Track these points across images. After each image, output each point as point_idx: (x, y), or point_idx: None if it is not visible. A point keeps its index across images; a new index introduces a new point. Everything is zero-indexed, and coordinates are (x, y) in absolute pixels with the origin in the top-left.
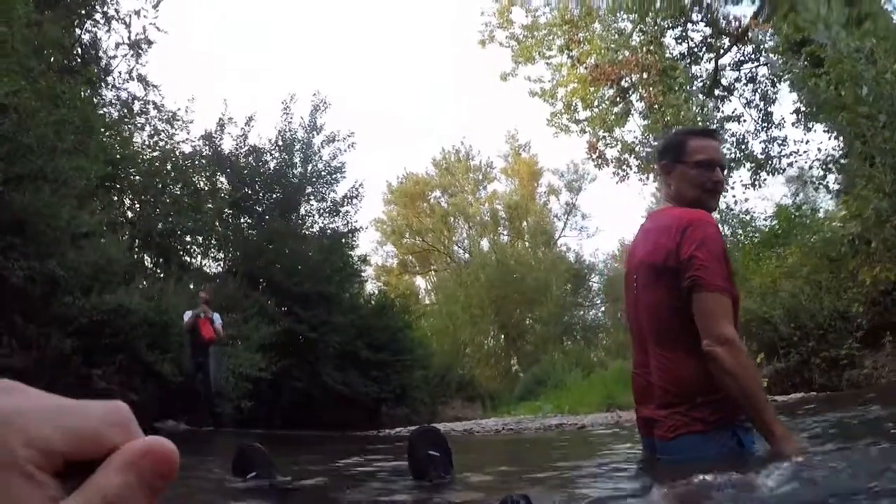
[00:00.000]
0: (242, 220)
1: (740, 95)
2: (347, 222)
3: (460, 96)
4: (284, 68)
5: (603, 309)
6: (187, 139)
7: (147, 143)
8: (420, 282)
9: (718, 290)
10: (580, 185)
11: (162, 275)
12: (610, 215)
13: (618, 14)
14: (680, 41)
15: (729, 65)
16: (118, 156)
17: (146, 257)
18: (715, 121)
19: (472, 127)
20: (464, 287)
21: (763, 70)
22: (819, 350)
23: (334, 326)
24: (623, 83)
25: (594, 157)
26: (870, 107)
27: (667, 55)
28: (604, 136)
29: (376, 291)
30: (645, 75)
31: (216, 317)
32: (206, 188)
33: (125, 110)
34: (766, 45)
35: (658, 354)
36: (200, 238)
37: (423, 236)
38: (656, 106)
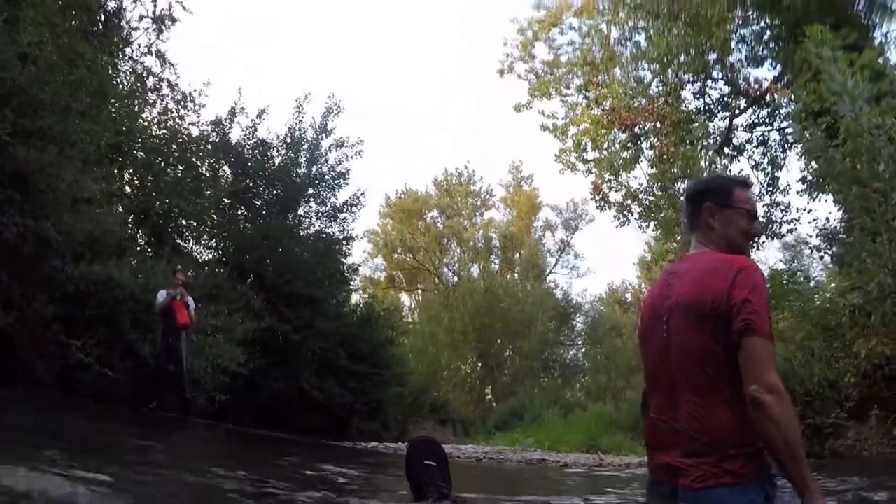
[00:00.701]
0: (240, 212)
1: (749, 157)
2: (344, 229)
3: (470, 119)
4: (291, 64)
5: (584, 350)
6: (197, 122)
7: (156, 119)
8: (405, 299)
9: (768, 337)
10: (577, 224)
11: (152, 254)
12: (602, 259)
13: (639, 62)
14: (697, 96)
15: (742, 126)
16: (124, 128)
17: (140, 234)
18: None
19: (476, 151)
20: (449, 310)
21: (775, 135)
22: (805, 417)
23: (318, 331)
24: (636, 129)
25: (597, 198)
26: (885, 183)
27: (682, 108)
28: (609, 179)
29: (363, 302)
30: (659, 124)
31: (191, 301)
32: (209, 174)
33: (138, 84)
34: (783, 111)
35: (691, 401)
36: (195, 223)
37: (415, 254)
38: (666, 156)
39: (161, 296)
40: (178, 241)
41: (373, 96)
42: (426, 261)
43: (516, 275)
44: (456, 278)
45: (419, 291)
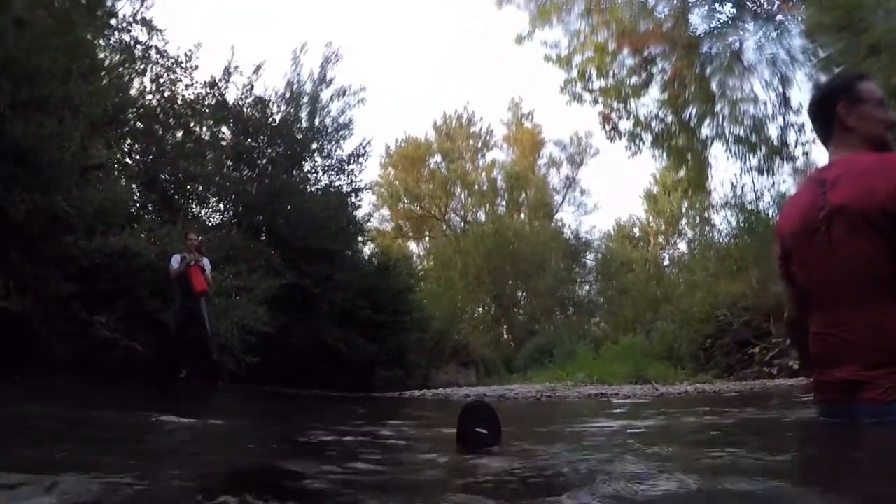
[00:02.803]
0: (245, 173)
1: (760, 77)
2: (352, 181)
3: (468, 60)
4: (285, 15)
5: (597, 287)
6: (191, 85)
7: (149, 88)
8: (414, 247)
9: None
10: (582, 159)
11: (165, 220)
12: (608, 194)
13: None
14: (705, 19)
15: (751, 47)
16: (116, 100)
17: (150, 202)
18: (730, 101)
19: (476, 92)
20: (461, 254)
21: (783, 54)
22: None
23: (337, 283)
24: (645, 54)
25: (607, 128)
26: None
27: (690, 31)
28: (619, 108)
29: (377, 252)
30: (668, 48)
31: (206, 263)
32: (208, 138)
33: (126, 55)
34: (792, 30)
35: (868, 310)
36: (202, 187)
37: (421, 202)
38: (678, 80)
39: (175, 261)
40: (188, 206)
41: (367, 42)
42: (432, 207)
43: (523, 215)
44: (463, 223)
45: (427, 239)
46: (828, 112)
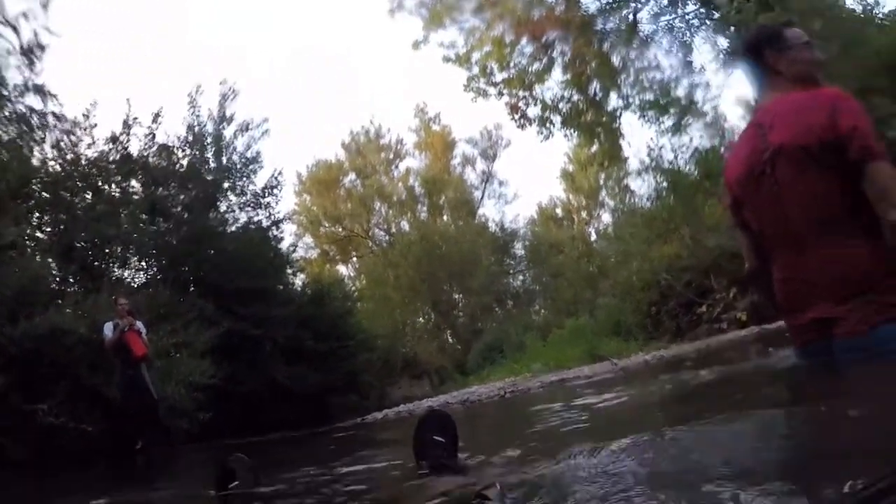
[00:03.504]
0: (162, 225)
1: (659, 45)
2: (270, 214)
3: (369, 74)
4: (188, 60)
5: (530, 274)
6: (93, 144)
7: (50, 155)
8: (343, 270)
9: (886, 158)
10: (495, 151)
11: (89, 289)
12: (526, 181)
13: None
14: None
15: (646, 18)
16: (18, 173)
17: (69, 275)
18: (634, 70)
19: (382, 105)
20: (392, 268)
21: (678, 22)
22: None
23: (276, 320)
24: (543, 40)
25: (516, 117)
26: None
27: (583, 10)
28: (524, 96)
29: (309, 281)
30: (563, 30)
31: (141, 326)
32: (118, 195)
33: (23, 126)
34: None
35: (828, 244)
36: (120, 249)
37: (342, 223)
38: (578, 59)
39: (108, 329)
40: (110, 270)
41: (265, 72)
42: (354, 226)
43: (446, 217)
44: (388, 237)
45: (355, 259)
46: (758, 60)
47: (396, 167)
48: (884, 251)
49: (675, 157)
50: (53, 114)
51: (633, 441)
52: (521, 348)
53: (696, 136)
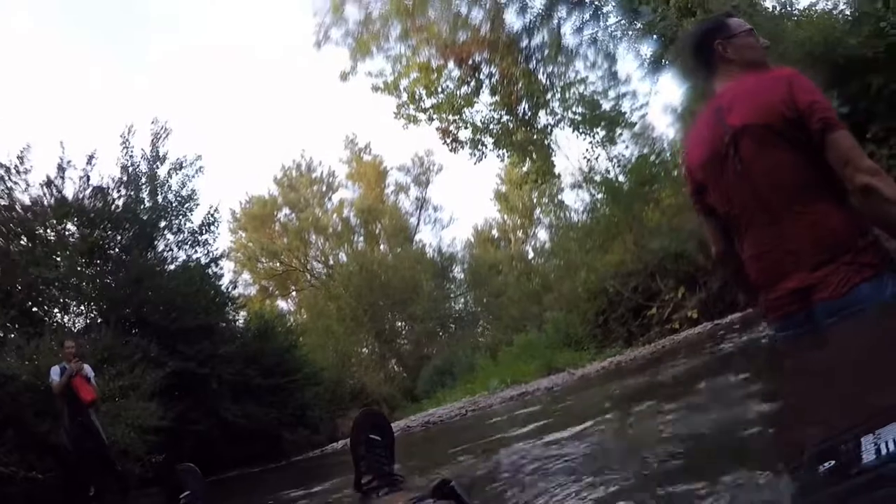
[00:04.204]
0: (100, 267)
1: (584, 58)
2: (208, 251)
3: (297, 108)
4: (118, 100)
5: (471, 296)
6: (28, 188)
7: None
8: (283, 305)
9: (845, 127)
10: (428, 177)
11: (25, 335)
12: (460, 204)
13: None
14: (520, 13)
15: (569, 32)
16: None
17: (7, 321)
18: (560, 85)
19: (312, 138)
20: (334, 300)
21: (601, 34)
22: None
23: (222, 358)
24: (471, 62)
25: (448, 141)
26: None
27: (508, 30)
28: (454, 120)
29: (252, 317)
30: (490, 52)
31: (89, 370)
32: (54, 239)
33: None
34: (604, 9)
35: (800, 212)
36: (58, 293)
37: (279, 258)
38: (507, 79)
39: (55, 374)
40: (50, 315)
41: (195, 111)
42: (292, 261)
43: (381, 246)
44: (327, 269)
45: (294, 294)
46: (706, 52)
47: (330, 199)
48: (853, 214)
49: (609, 169)
50: None
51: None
52: (471, 369)
53: (627, 146)
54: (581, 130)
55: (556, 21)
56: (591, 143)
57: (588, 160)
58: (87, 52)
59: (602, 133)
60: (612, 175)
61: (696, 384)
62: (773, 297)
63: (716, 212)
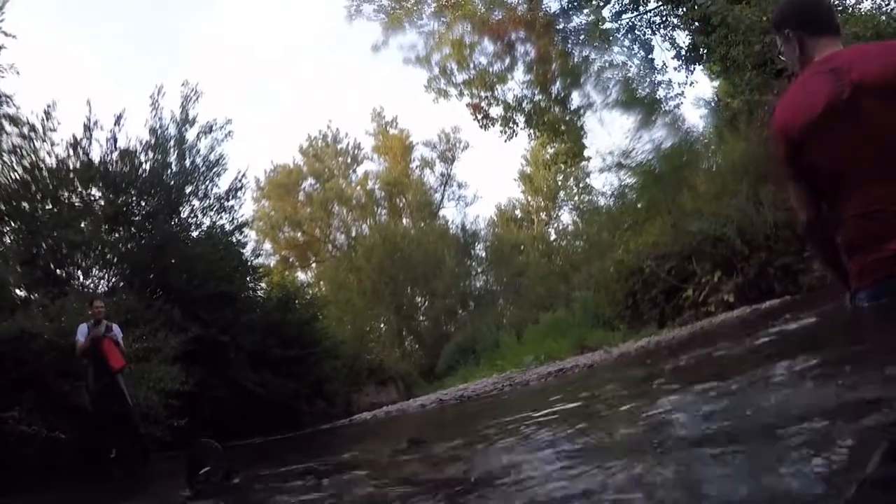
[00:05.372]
0: (124, 232)
1: (620, 44)
2: (233, 218)
3: (324, 82)
4: (149, 59)
5: (492, 275)
6: (52, 151)
7: (7, 161)
8: (302, 276)
9: None
10: (454, 154)
11: (49, 295)
12: (485, 182)
13: None
14: None
15: (608, 17)
16: None
17: (32, 282)
18: (597, 69)
19: (339, 109)
20: (355, 272)
21: (639, 21)
22: (770, 262)
23: (244, 326)
24: (506, 39)
25: (479, 117)
26: None
27: (544, 10)
28: (486, 96)
29: (274, 287)
30: (526, 31)
31: (117, 330)
32: (79, 204)
33: None
34: None
35: None
36: (80, 257)
37: (302, 227)
38: (543, 58)
39: (81, 334)
40: (74, 277)
41: (223, 74)
42: (315, 231)
43: (404, 220)
44: (350, 241)
45: (314, 265)
46: (832, 14)
47: (355, 171)
48: None
49: (643, 154)
50: (8, 116)
51: None
52: (496, 346)
53: (662, 134)
54: (613, 116)
55: (595, 4)
56: (625, 128)
57: (630, 141)
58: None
59: (638, 118)
60: (646, 160)
61: (764, 363)
62: (875, 259)
63: (808, 176)
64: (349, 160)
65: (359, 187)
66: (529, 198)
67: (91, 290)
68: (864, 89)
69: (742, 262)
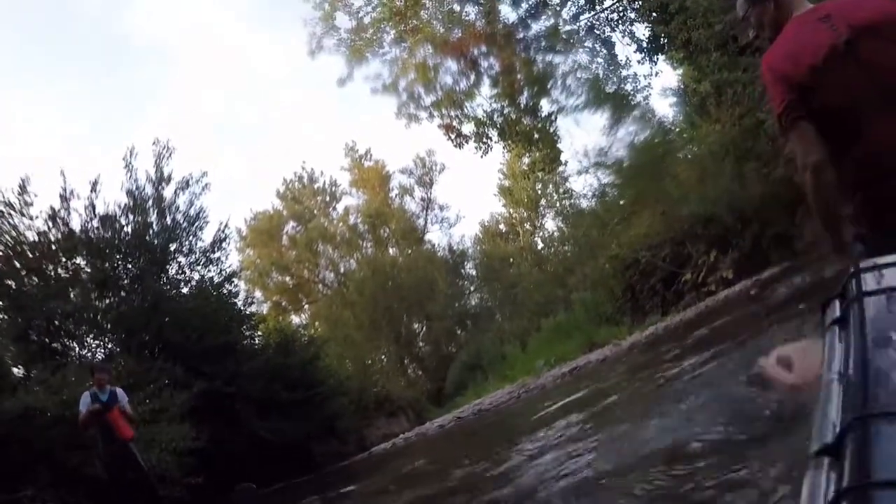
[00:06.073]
0: (114, 296)
1: (582, 45)
2: (221, 269)
3: (293, 122)
4: (114, 119)
5: (485, 290)
6: (31, 226)
7: None
8: (296, 319)
9: None
10: (431, 177)
11: (48, 369)
12: (465, 201)
13: None
14: (515, 4)
15: (567, 20)
16: None
17: (30, 357)
18: (562, 73)
19: (312, 149)
20: (349, 307)
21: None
22: (764, 231)
23: (247, 375)
24: (469, 56)
25: (452, 136)
26: None
27: (503, 22)
28: (456, 115)
29: (272, 331)
30: (486, 45)
31: (122, 395)
32: (65, 275)
33: None
34: None
35: None
36: (73, 327)
37: (290, 271)
38: (508, 70)
39: (84, 404)
40: (69, 349)
41: (192, 127)
42: (302, 273)
43: (391, 250)
44: (337, 277)
45: (306, 307)
46: None
47: (335, 208)
48: None
49: (618, 151)
50: None
51: None
52: (502, 360)
53: (633, 129)
54: (583, 117)
55: (553, 8)
56: (598, 127)
57: (605, 141)
58: (77, 75)
59: (609, 116)
60: (623, 157)
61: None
62: (886, 196)
63: (816, 119)
64: (328, 198)
65: (341, 224)
66: (511, 210)
67: (88, 359)
68: (860, 32)
69: (735, 237)
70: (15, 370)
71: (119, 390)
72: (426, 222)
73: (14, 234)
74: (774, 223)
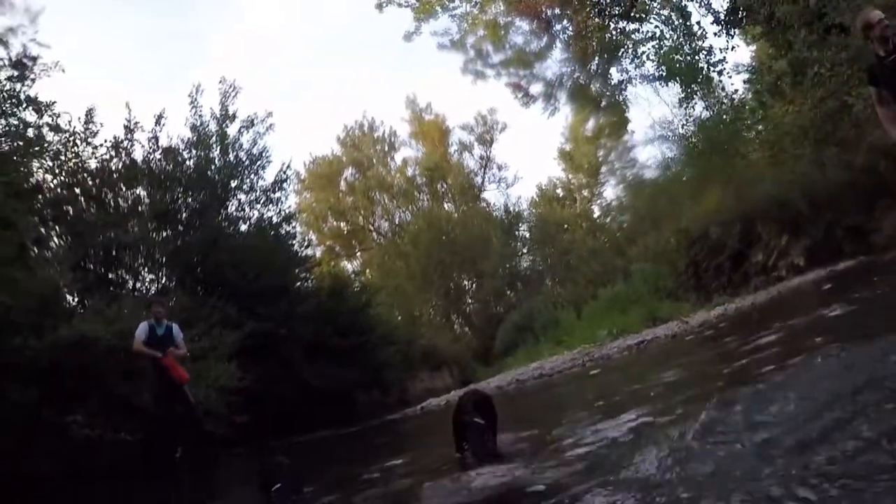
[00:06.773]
0: (172, 230)
1: (657, 14)
2: (280, 210)
3: (357, 71)
4: (181, 59)
5: (537, 254)
6: (95, 150)
7: (50, 167)
8: (348, 266)
9: None
10: (492, 136)
11: (103, 299)
12: (524, 163)
13: None
14: None
15: None
16: (16, 193)
17: (87, 285)
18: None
19: (373, 98)
20: (403, 257)
21: None
22: (840, 220)
23: (300, 317)
24: (542, 16)
25: (519, 96)
26: None
27: None
28: (525, 75)
29: (326, 276)
30: (561, 8)
31: (177, 331)
32: (125, 205)
33: (16, 140)
34: None
35: None
36: (129, 259)
37: (346, 217)
38: (583, 33)
39: (143, 331)
40: (124, 280)
41: (260, 73)
42: (359, 220)
43: (447, 205)
44: (391, 227)
45: (358, 254)
46: None
47: (393, 159)
48: None
49: (687, 125)
50: (49, 125)
51: None
52: (555, 324)
53: (704, 104)
54: (655, 88)
55: None
56: (669, 99)
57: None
58: (148, 15)
59: (681, 88)
60: (690, 131)
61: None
62: None
63: None
64: (386, 147)
65: (399, 174)
66: (571, 175)
67: (143, 293)
68: None
69: (807, 223)
70: (69, 298)
71: (175, 326)
72: (483, 180)
73: (76, 161)
74: (851, 214)
